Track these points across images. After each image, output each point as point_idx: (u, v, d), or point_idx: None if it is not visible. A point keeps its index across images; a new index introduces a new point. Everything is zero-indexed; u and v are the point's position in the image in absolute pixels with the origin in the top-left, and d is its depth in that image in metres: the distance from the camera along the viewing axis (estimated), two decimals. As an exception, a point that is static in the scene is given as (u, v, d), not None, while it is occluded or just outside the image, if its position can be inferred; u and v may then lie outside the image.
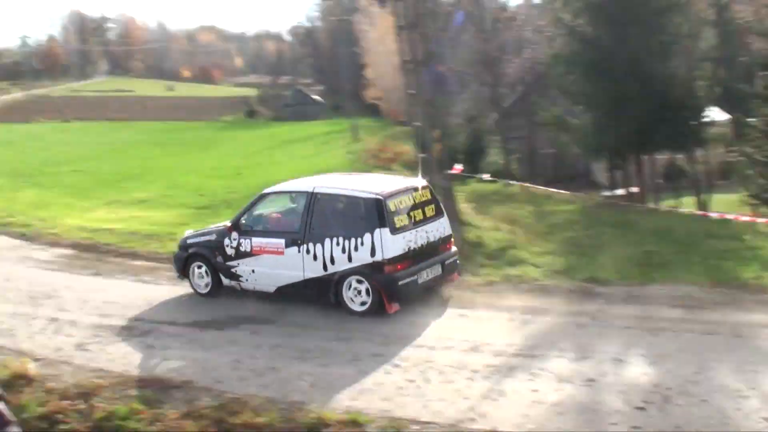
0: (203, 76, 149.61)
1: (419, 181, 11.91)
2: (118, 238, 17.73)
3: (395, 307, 10.89)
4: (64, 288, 13.70)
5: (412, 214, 11.18)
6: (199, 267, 12.53)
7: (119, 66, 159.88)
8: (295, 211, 11.66)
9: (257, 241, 11.79)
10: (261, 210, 12.08)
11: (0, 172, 34.28)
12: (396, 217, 10.92)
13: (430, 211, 11.48)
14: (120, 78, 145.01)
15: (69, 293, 13.36)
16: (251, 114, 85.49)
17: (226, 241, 12.14)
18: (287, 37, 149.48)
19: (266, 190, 12.22)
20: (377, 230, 10.77)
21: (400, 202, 11.10)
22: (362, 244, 10.86)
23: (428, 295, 11.55)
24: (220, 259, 12.23)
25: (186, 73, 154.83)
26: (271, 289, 11.76)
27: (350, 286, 11.00)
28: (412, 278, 10.96)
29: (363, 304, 11.02)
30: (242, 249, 11.95)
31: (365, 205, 10.91)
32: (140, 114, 77.10)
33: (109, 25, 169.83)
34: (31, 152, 43.37)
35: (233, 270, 12.13)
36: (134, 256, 16.01)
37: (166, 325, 11.24)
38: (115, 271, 14.83)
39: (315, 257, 11.17)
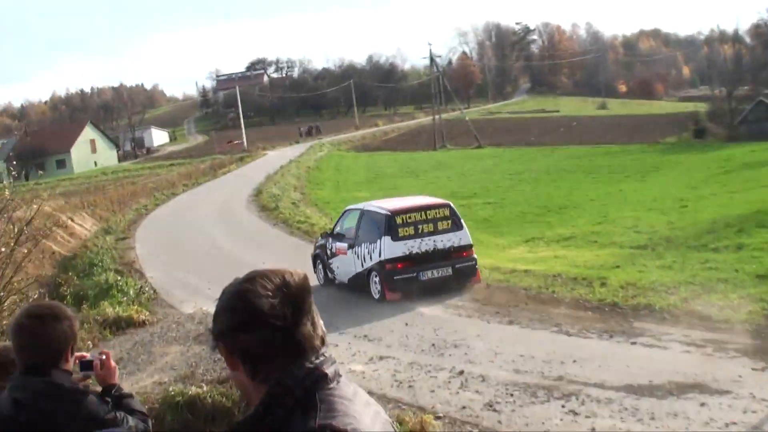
0: (642, 91, 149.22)
1: (439, 201, 19.13)
2: (537, 280, 18.11)
3: (393, 296, 17.55)
4: (473, 337, 14.25)
5: (420, 226, 17.95)
6: (318, 264, 20.56)
7: (543, 83, 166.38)
8: (355, 223, 19.22)
9: (338, 245, 19.61)
10: (343, 221, 20.07)
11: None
12: (401, 228, 17.85)
13: (443, 225, 18.11)
14: (543, 97, 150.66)
15: (479, 343, 13.84)
16: (700, 133, 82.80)
17: (327, 244, 20.16)
18: (747, 39, 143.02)
19: (347, 208, 20.85)
20: (383, 237, 17.87)
21: (409, 218, 17.98)
22: (376, 247, 18.03)
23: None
24: (325, 257, 20.18)
25: (622, 88, 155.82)
26: (345, 280, 19.25)
27: (372, 278, 18.07)
28: (410, 275, 17.67)
29: (378, 292, 17.94)
30: (333, 251, 19.85)
31: (380, 219, 18.24)
32: (566, 137, 78.88)
33: (532, 37, 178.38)
34: (438, 182, 46.48)
35: (331, 266, 19.96)
36: (556, 302, 16.23)
37: (594, 388, 11.09)
38: (534, 319, 15.19)
39: (358, 256, 18.68)
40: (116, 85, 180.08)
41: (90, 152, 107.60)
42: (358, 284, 18.58)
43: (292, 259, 23.43)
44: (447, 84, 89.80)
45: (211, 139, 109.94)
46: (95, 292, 21.34)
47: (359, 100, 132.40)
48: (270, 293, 2.38)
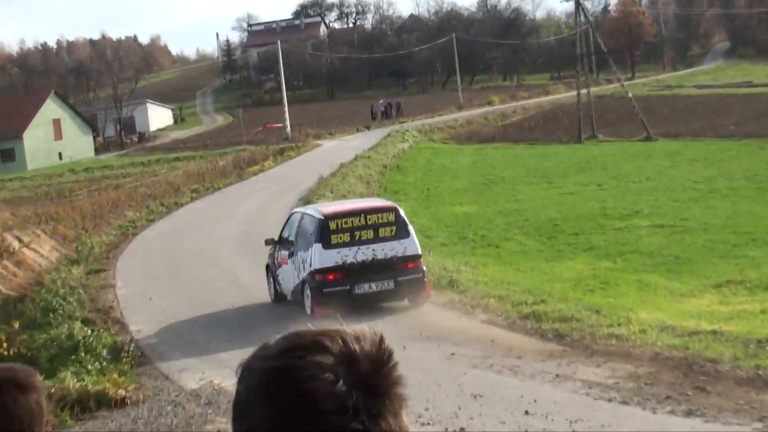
0: None
1: (383, 204, 25.24)
2: (732, 348, 17.87)
3: (322, 310, 22.31)
4: (630, 435, 14.08)
5: (357, 233, 23.20)
6: (270, 277, 26.57)
7: (749, 41, 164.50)
8: (295, 228, 25.05)
9: (282, 253, 25.49)
10: (289, 226, 25.81)
11: (521, 226, 37.40)
12: (334, 234, 23.10)
13: (385, 232, 23.37)
14: (749, 62, 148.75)
15: (639, 445, 13.69)
16: None
17: (275, 252, 26.12)
18: None
19: (292, 210, 27.51)
20: (314, 245, 23.18)
21: (345, 223, 23.24)
22: (308, 256, 23.38)
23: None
24: (274, 268, 26.10)
25: None
26: (290, 294, 24.99)
27: (305, 291, 23.52)
28: (342, 288, 22.97)
29: (309, 307, 23.35)
30: (278, 260, 25.74)
31: (313, 223, 23.66)
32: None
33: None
34: (582, 192, 45.93)
35: (278, 278, 25.78)
36: (763, 383, 16.02)
37: None
38: (726, 409, 14.99)
39: (296, 266, 24.14)
40: (96, 37, 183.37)
41: (52, 138, 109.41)
42: (298, 300, 24.02)
43: (360, 310, 23.41)
44: (601, 42, 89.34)
45: (237, 120, 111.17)
46: (51, 352, 21.62)
47: (465, 65, 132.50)
48: (328, 370, 2.26)
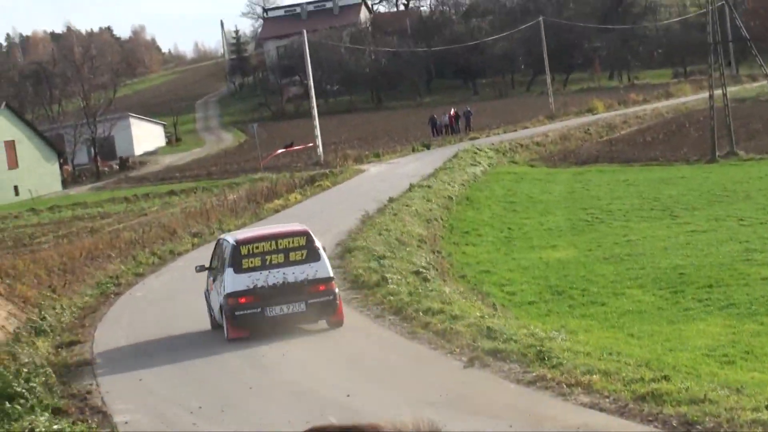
0: None
1: (294, 229, 35.00)
2: None
3: (236, 333, 32.47)
4: None
5: (268, 257, 32.78)
6: (207, 306, 36.59)
7: None
8: (219, 255, 35.36)
9: (210, 279, 35.76)
10: (214, 253, 36.40)
11: (635, 277, 37.86)
12: (245, 259, 32.76)
13: (296, 256, 32.89)
14: None
15: None
16: None
17: (207, 279, 36.35)
18: None
19: (218, 237, 40.48)
20: (227, 269, 32.90)
21: (256, 247, 32.98)
22: (223, 280, 33.03)
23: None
24: (207, 295, 36.13)
25: None
26: (219, 319, 34.24)
27: (223, 315, 33.13)
28: (254, 311, 32.36)
29: (226, 330, 33.60)
30: (209, 287, 35.79)
31: (226, 248, 33.77)
32: None
33: None
34: (717, 229, 45.65)
35: (211, 305, 35.26)
36: None
37: None
38: None
39: (218, 291, 33.77)
40: (59, 30, 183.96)
41: (5, 167, 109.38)
42: (222, 324, 33.21)
43: (414, 388, 23.50)
44: (741, 24, 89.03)
45: (251, 139, 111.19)
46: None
47: (556, 60, 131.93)
48: None
